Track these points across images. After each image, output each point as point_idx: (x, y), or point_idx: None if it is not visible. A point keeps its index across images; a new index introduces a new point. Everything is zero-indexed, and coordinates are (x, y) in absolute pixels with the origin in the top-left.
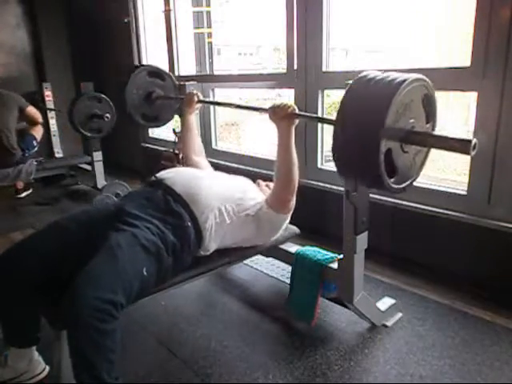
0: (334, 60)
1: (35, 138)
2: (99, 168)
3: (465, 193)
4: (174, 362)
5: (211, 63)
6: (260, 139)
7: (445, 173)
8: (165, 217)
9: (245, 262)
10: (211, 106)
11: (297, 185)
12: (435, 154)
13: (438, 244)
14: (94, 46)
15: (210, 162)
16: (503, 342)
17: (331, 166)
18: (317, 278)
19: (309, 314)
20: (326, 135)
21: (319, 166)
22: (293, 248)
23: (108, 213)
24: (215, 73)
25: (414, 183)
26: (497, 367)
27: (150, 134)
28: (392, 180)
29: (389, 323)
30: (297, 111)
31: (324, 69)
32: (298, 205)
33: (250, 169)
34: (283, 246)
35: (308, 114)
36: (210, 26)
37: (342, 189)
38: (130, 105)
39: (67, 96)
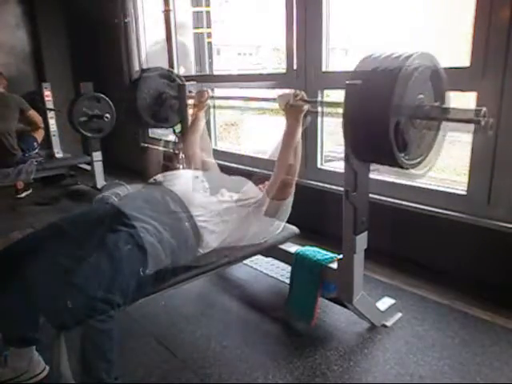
0: (334, 60)
1: (36, 140)
2: (99, 168)
3: (464, 193)
4: (173, 361)
5: (211, 63)
6: (260, 139)
7: (444, 173)
8: (162, 218)
9: (245, 262)
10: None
11: (297, 171)
12: None
13: (438, 244)
14: (94, 45)
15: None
16: (503, 342)
17: (331, 166)
18: (316, 278)
19: (308, 314)
20: (325, 135)
21: (319, 165)
22: (292, 248)
23: (105, 214)
24: (215, 73)
25: (414, 183)
26: (496, 367)
27: (150, 134)
28: (403, 155)
29: (388, 323)
30: (306, 98)
31: (324, 69)
32: (297, 205)
33: (250, 169)
34: (283, 246)
35: (316, 100)
36: (209, 26)
37: (342, 189)
38: (141, 105)
39: (67, 96)
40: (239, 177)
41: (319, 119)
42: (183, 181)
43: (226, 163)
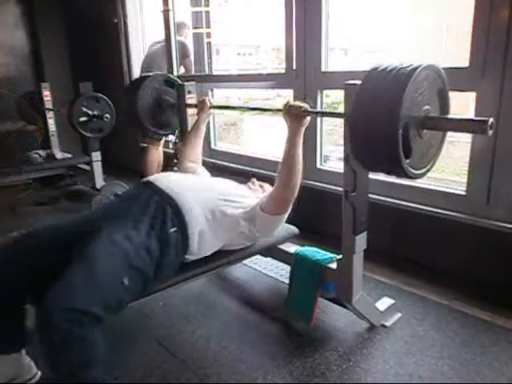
0: (334, 60)
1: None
2: (98, 168)
3: (463, 193)
4: (173, 362)
5: (210, 63)
6: (259, 139)
7: (444, 173)
8: (149, 222)
9: (244, 262)
10: None
11: (298, 186)
12: None
13: (437, 244)
14: (93, 45)
15: (210, 163)
16: (502, 342)
17: (330, 166)
18: (316, 278)
19: (308, 314)
20: (324, 135)
21: (318, 166)
22: (292, 248)
23: (90, 221)
24: (214, 73)
25: (414, 183)
26: (496, 367)
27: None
28: (408, 161)
29: (388, 323)
30: (309, 109)
31: (323, 69)
32: (297, 205)
33: (249, 169)
34: (282, 246)
35: (319, 110)
36: (208, 26)
37: (341, 189)
38: (141, 111)
39: (66, 96)
40: (228, 180)
41: (319, 119)
42: (174, 183)
43: (226, 163)
